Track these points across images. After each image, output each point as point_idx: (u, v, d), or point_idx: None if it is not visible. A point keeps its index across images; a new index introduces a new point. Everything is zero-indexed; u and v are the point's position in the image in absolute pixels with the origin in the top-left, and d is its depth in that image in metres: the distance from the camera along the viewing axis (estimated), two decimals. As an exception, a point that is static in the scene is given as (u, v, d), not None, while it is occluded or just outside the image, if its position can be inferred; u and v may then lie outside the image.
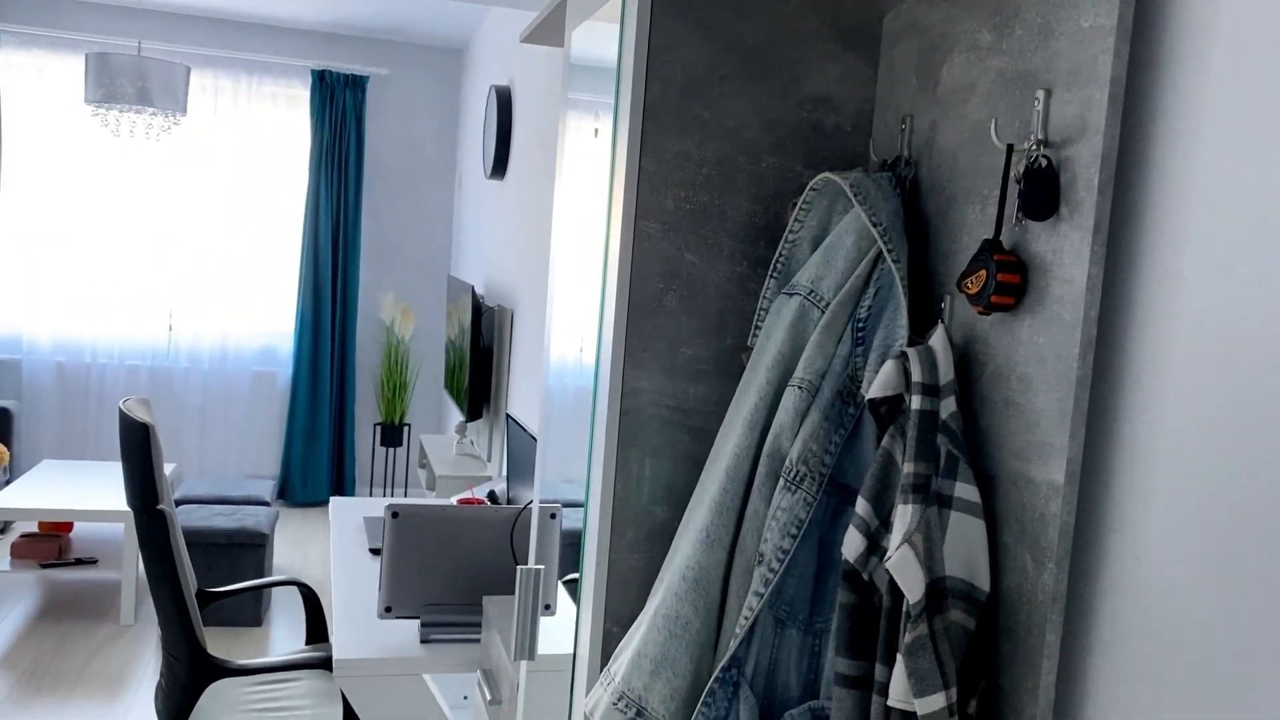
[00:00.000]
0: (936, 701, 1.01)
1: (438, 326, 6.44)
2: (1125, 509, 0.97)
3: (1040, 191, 1.01)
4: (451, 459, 4.56)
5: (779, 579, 1.15)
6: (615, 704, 1.19)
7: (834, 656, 1.11)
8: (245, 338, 6.13)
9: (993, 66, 1.11)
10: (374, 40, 6.14)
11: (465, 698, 3.08)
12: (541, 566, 1.74)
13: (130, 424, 2.37)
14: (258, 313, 6.13)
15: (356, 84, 6.03)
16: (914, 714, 1.03)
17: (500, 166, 4.51)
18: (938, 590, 1.04)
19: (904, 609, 1.03)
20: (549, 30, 1.95)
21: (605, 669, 1.27)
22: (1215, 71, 0.90)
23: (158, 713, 2.47)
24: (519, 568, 1.72)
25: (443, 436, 5.10)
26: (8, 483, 5.07)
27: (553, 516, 1.97)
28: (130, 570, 4.22)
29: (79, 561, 4.33)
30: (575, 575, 1.52)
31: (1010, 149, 1.05)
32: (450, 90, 6.30)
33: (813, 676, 1.17)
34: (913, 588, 1.02)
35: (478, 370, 4.34)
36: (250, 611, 4.28)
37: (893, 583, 1.06)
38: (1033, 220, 1.03)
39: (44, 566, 4.27)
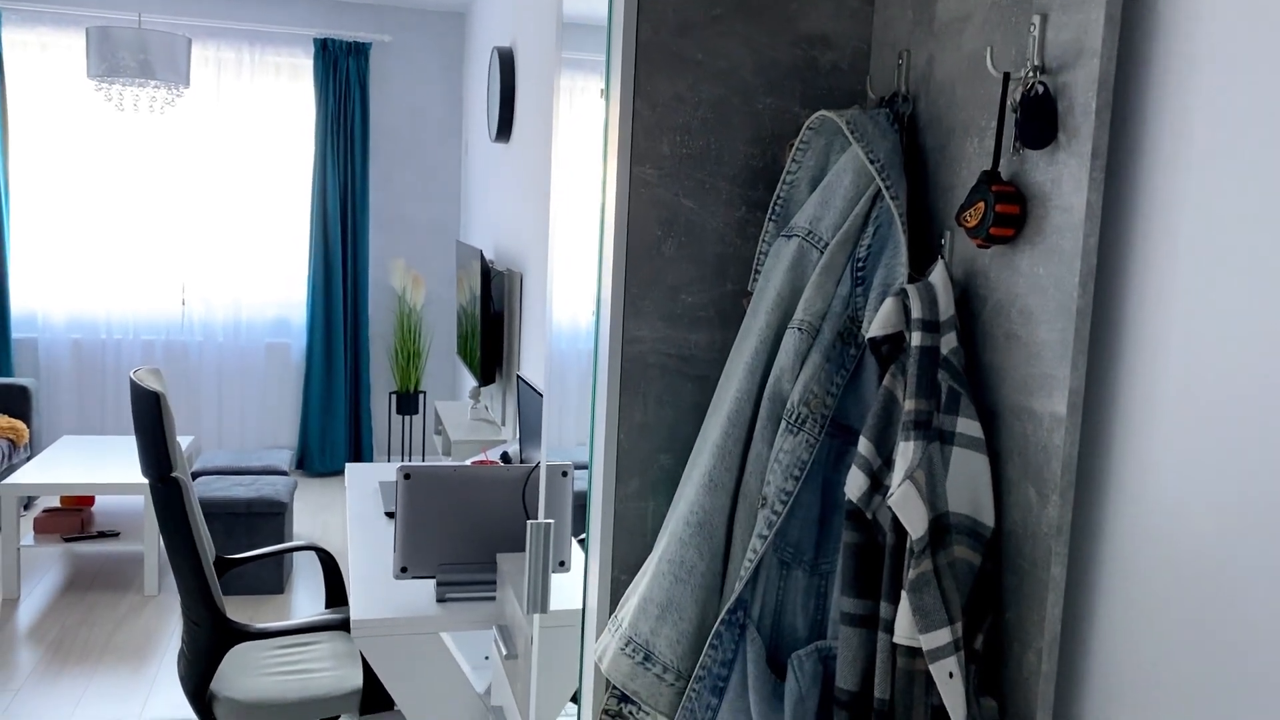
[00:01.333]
0: (942, 637, 1.01)
1: (449, 293, 6.44)
2: (1129, 439, 0.96)
3: (1037, 119, 0.99)
4: (466, 424, 4.57)
5: (783, 521, 1.15)
6: (623, 649, 1.19)
7: (839, 596, 1.11)
8: (258, 309, 6.15)
9: (989, -6, 1.09)
10: (375, 6, 6.09)
11: (486, 658, 3.11)
12: (551, 521, 1.74)
13: (141, 393, 2.39)
14: (270, 284, 6.14)
15: (359, 51, 5.99)
16: (920, 650, 1.03)
17: (505, 129, 4.48)
18: (941, 526, 1.03)
19: (908, 546, 1.03)
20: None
21: (613, 615, 1.27)
22: (1214, -14, 0.87)
23: (181, 678, 2.50)
24: (529, 523, 1.73)
25: (457, 403, 5.11)
26: (28, 459, 5.12)
27: (564, 475, 1.97)
28: (152, 541, 4.27)
29: (101, 534, 4.38)
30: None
31: (1007, 77, 1.03)
32: (454, 54, 6.26)
33: (819, 617, 1.17)
34: (915, 524, 1.01)
35: (489, 335, 4.34)
36: (271, 579, 4.32)
37: (896, 520, 1.05)
38: (1031, 149, 1.01)
39: (67, 540, 4.32)
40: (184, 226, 5.99)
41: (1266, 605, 0.81)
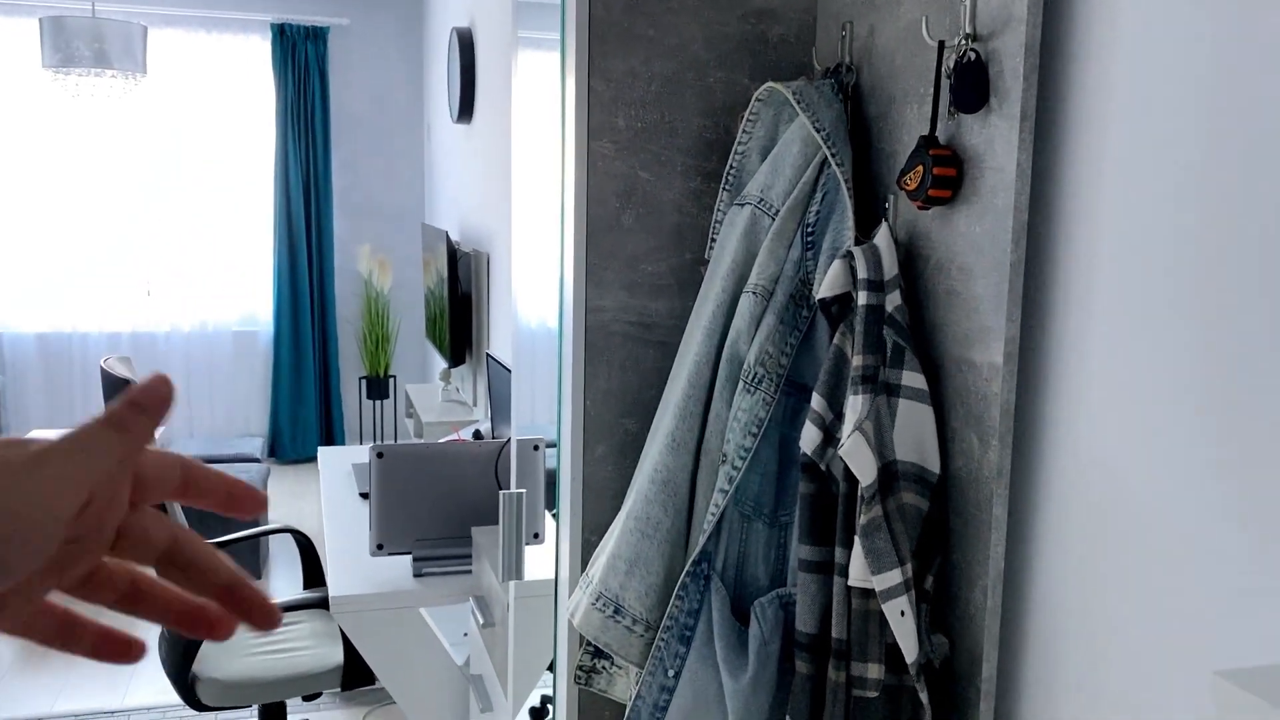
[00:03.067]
0: (893, 577, 1.07)
1: (416, 276, 6.44)
2: (1064, 385, 1.02)
3: (970, 84, 1.04)
4: (437, 406, 4.60)
5: (742, 476, 1.21)
6: (594, 604, 1.25)
7: (797, 545, 1.17)
8: (224, 298, 6.13)
9: (923, -34, 1.14)
10: (332, -10, 6.06)
11: (465, 634, 3.16)
12: (523, 490, 1.79)
13: (113, 381, 2.40)
14: (235, 273, 6.12)
15: (317, 36, 5.96)
16: (873, 591, 1.09)
17: (467, 110, 4.49)
18: (889, 473, 1.09)
19: (859, 494, 1.09)
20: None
21: (584, 573, 1.32)
22: (1128, -45, 0.93)
23: (162, 661, 2.54)
24: (501, 493, 1.78)
25: (428, 385, 5.14)
26: (-2, 455, 5.10)
27: (535, 448, 2.02)
28: (127, 532, 4.27)
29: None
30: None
31: (941, 45, 1.08)
32: (413, 36, 6.24)
33: (780, 566, 1.23)
34: (865, 472, 1.07)
35: (458, 316, 4.37)
36: (248, 565, 4.34)
37: (848, 470, 1.11)
38: (965, 113, 1.06)
39: (41, 534, 4.32)
40: (146, 217, 5.95)
41: (1191, 543, 0.88)
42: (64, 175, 5.79)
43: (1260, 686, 0.47)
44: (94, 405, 5.98)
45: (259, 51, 5.97)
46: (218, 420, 6.22)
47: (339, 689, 2.56)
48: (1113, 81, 0.95)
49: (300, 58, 5.93)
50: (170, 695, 3.38)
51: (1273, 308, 0.80)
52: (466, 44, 4.39)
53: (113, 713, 3.27)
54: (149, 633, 3.82)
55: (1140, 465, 0.92)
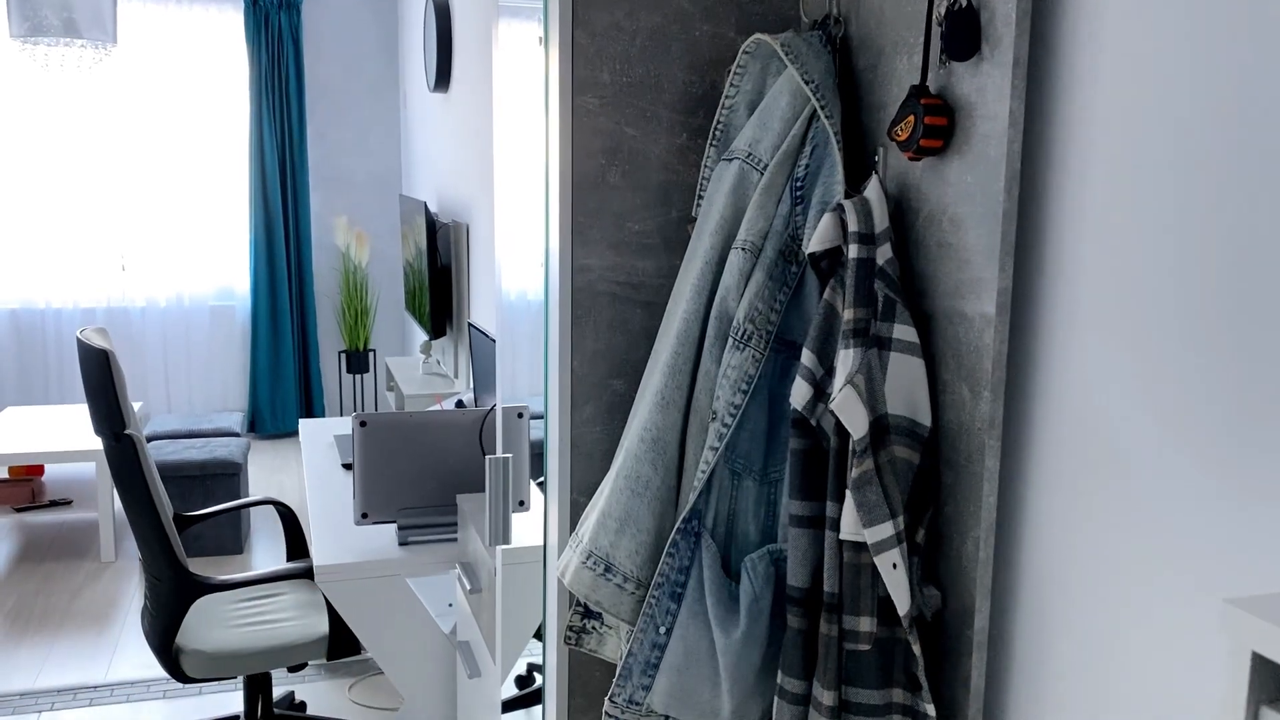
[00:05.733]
0: (885, 530, 1.06)
1: (394, 248, 6.39)
2: (1056, 336, 1.01)
3: (962, 31, 1.03)
4: (418, 379, 4.58)
5: (732, 433, 1.20)
6: (584, 563, 1.24)
7: (788, 500, 1.17)
8: (200, 273, 6.06)
9: (913, -86, 1.12)
10: (304, -42, 5.96)
11: (450, 605, 3.16)
12: (509, 455, 1.78)
13: (89, 352, 2.37)
14: (211, 247, 6.05)
15: (290, 6, 5.86)
16: (865, 545, 1.08)
17: (444, 79, 4.44)
18: (881, 427, 1.09)
19: (850, 448, 1.08)
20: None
21: (573, 533, 1.32)
22: (1122, -103, 0.91)
23: (145, 635, 2.52)
24: (488, 457, 1.76)
25: (409, 358, 5.10)
26: (-28, 433, 5.03)
27: (520, 416, 2.01)
28: (107, 507, 4.24)
29: (53, 504, 4.34)
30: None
31: (932, -6, 1.07)
32: (387, 5, 6.15)
33: (770, 523, 1.23)
34: (857, 425, 1.07)
35: (437, 288, 4.33)
36: (231, 539, 4.32)
37: (839, 425, 1.11)
38: (956, 61, 1.05)
39: (18, 510, 4.27)
40: (119, 191, 5.86)
41: (1176, 487, 0.88)
42: (35, 148, 5.69)
43: (1271, 612, 0.47)
44: (67, 382, 5.91)
45: (232, 22, 5.87)
46: (195, 396, 6.17)
47: (324, 659, 2.55)
48: (1105, 28, 0.94)
49: (274, 27, 5.84)
50: (153, 669, 3.36)
51: (1266, 256, 0.79)
52: (443, 12, 4.33)
53: (95, 687, 3.25)
54: (133, 613, 3.79)
55: (1132, 414, 0.92)
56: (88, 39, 4.43)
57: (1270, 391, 0.79)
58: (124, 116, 5.80)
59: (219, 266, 6.08)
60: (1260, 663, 0.48)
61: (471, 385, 3.45)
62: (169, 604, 2.43)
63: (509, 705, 1.99)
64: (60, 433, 4.46)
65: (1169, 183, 0.87)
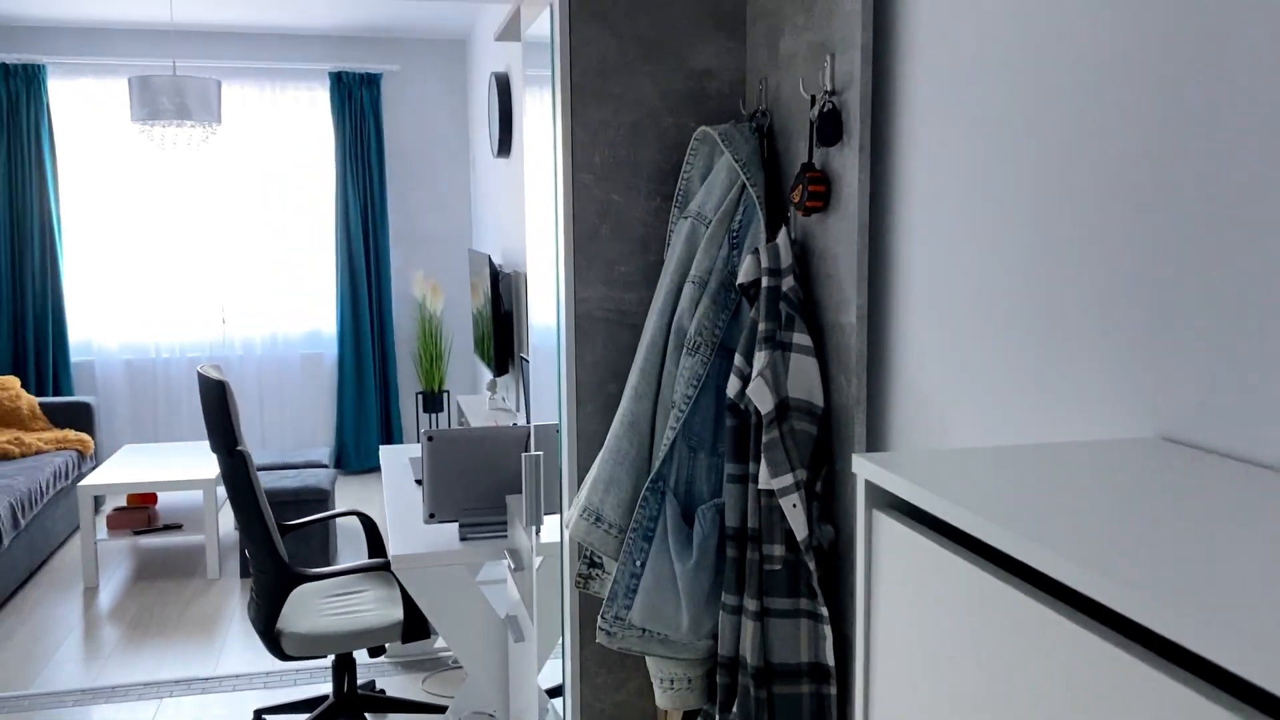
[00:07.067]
0: (786, 480, 1.49)
1: (464, 297, 6.95)
2: (899, 335, 1.43)
3: (829, 126, 1.47)
4: (485, 413, 5.07)
5: (687, 416, 1.63)
6: (581, 515, 1.68)
7: (726, 464, 1.59)
8: (292, 324, 6.69)
9: (805, 40, 1.57)
10: (384, 39, 6.63)
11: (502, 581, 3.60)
12: (541, 452, 2.23)
13: (209, 382, 2.90)
14: (302, 300, 6.68)
15: (371, 82, 6.52)
16: (773, 491, 1.51)
17: (505, 145, 4.98)
18: (784, 406, 1.51)
19: (763, 421, 1.51)
20: (513, 29, 2.42)
21: (575, 496, 1.76)
22: (922, 40, 1.35)
23: (252, 620, 3.01)
24: (523, 455, 2.22)
25: (478, 396, 5.62)
26: (94, 467, 5.68)
27: (556, 431, 2.46)
28: (212, 531, 4.80)
29: (166, 528, 4.92)
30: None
31: (813, 98, 1.51)
32: (457, 79, 6.78)
33: (717, 484, 1.66)
34: (764, 404, 1.49)
35: (501, 331, 4.84)
36: (318, 556, 4.84)
37: (757, 406, 1.53)
38: (827, 146, 1.49)
39: (136, 534, 4.86)
40: (221, 252, 6.54)
41: (967, 420, 1.29)
42: (146, 215, 6.40)
43: (883, 460, 0.87)
44: (175, 423, 6.56)
45: (319, 98, 6.55)
46: (287, 433, 6.77)
47: (399, 641, 3.01)
48: (919, 125, 1.37)
49: (356, 102, 6.50)
50: (254, 665, 3.86)
51: (1031, 276, 1.21)
52: (504, 87, 4.89)
53: (206, 679, 3.76)
54: (235, 623, 4.32)
55: (951, 390, 1.33)
56: (197, 120, 5.08)
57: (1028, 357, 1.20)
58: (225, 184, 6.49)
59: (309, 317, 6.71)
60: (870, 485, 0.90)
61: (525, 411, 3.91)
62: (272, 593, 2.92)
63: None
64: (171, 465, 5.06)
65: (966, 229, 1.30)
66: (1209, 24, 0.91)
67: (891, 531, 0.88)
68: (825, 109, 1.47)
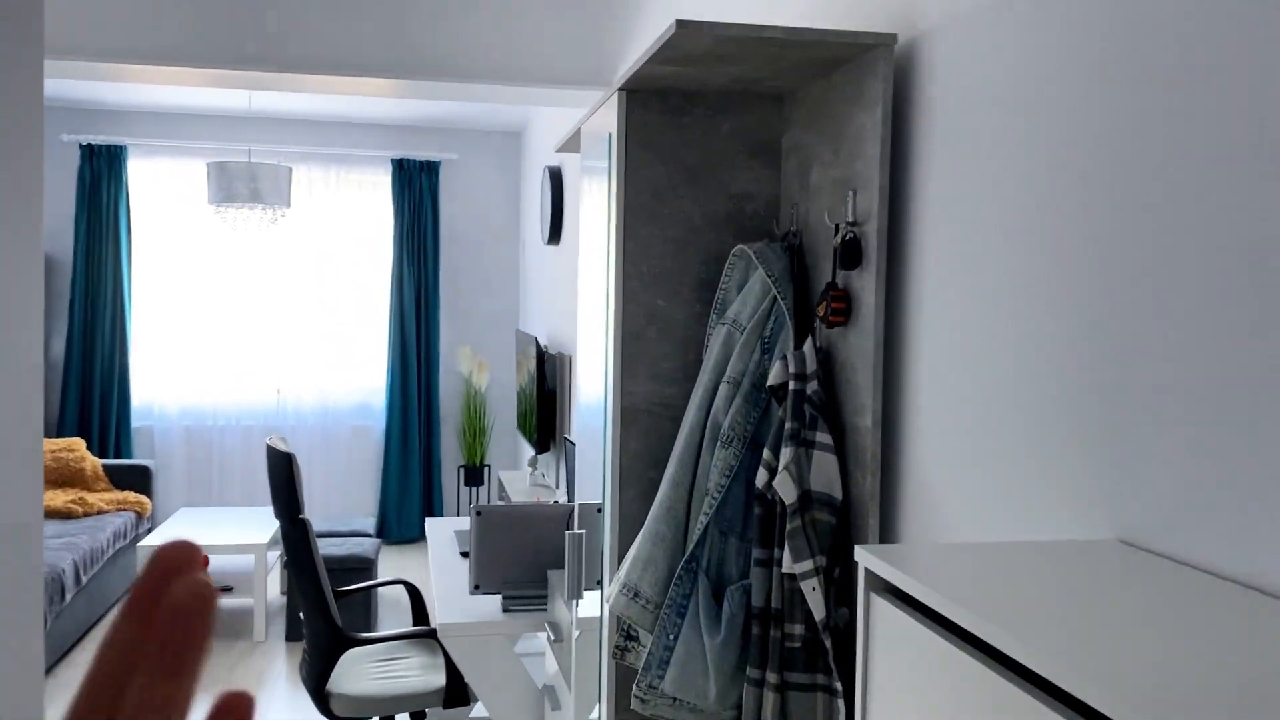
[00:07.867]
0: (806, 565, 1.66)
1: (509, 375, 7.20)
2: (911, 436, 1.61)
3: (850, 252, 1.67)
4: (526, 489, 5.26)
5: (719, 503, 1.81)
6: (621, 591, 1.86)
7: (753, 549, 1.77)
8: (343, 396, 6.96)
9: (830, 175, 1.78)
10: (444, 130, 7.00)
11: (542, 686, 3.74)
12: (584, 531, 2.41)
13: (277, 454, 3.12)
14: (353, 373, 6.96)
15: (430, 169, 6.88)
16: (795, 575, 1.67)
17: (555, 234, 5.26)
18: (806, 497, 1.69)
19: (787, 511, 1.68)
20: (573, 143, 2.68)
21: (615, 574, 1.93)
22: (934, 182, 1.56)
23: (304, 680, 3.18)
24: (567, 533, 2.40)
25: (518, 472, 5.81)
26: (151, 529, 5.92)
27: (599, 510, 2.64)
28: (261, 595, 4.99)
29: (218, 589, 5.12)
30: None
31: (836, 227, 1.72)
32: (511, 169, 7.12)
33: (745, 566, 1.83)
34: (789, 496, 1.67)
35: (544, 409, 5.05)
36: (361, 621, 5.01)
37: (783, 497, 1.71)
38: (848, 270, 1.69)
39: (190, 594, 5.07)
40: (280, 325, 6.85)
41: (966, 514, 1.46)
42: (209, 288, 6.74)
43: (883, 553, 1.05)
44: (229, 488, 6.81)
45: (381, 182, 6.91)
46: (333, 504, 6.99)
47: (441, 706, 3.16)
48: (928, 256, 1.56)
49: (415, 187, 6.85)
50: (298, 716, 4.02)
51: (1024, 376, 1.39)
52: (556, 180, 5.18)
53: (252, 738, 3.92)
54: (281, 684, 4.47)
55: (953, 488, 1.51)
56: (268, 204, 5.41)
57: (1021, 446, 1.38)
58: (288, 260, 6.83)
59: (359, 389, 6.98)
60: (869, 573, 1.07)
61: (567, 490, 4.10)
62: (325, 652, 3.10)
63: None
64: (224, 529, 5.28)
65: (963, 348, 1.48)
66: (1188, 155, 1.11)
67: (887, 614, 1.05)
68: (847, 237, 1.68)
